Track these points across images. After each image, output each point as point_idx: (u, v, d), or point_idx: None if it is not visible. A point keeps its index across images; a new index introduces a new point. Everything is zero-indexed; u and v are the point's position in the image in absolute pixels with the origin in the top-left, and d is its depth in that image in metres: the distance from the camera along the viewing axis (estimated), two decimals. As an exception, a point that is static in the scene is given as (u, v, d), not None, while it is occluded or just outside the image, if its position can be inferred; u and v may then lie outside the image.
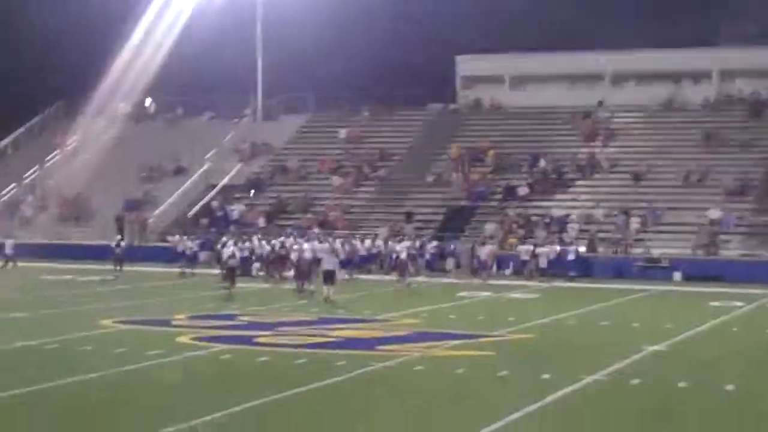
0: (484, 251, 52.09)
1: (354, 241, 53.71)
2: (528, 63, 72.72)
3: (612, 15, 75.33)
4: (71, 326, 31.56)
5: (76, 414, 20.21)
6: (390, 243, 54.22)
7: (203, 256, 54.95)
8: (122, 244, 52.19)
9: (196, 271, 51.34)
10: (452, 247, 54.16)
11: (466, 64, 74.52)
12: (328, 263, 41.58)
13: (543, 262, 51.52)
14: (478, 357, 27.27)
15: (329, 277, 40.58)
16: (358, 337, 30.75)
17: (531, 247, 52.47)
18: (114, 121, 78.00)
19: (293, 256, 46.13)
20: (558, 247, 52.52)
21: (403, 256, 49.00)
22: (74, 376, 23.72)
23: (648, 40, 69.00)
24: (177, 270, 50.85)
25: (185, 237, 54.44)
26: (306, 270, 43.12)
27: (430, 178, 64.59)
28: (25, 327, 31.69)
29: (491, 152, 65.46)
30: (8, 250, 54.66)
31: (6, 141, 76.71)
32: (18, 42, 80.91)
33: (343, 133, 71.85)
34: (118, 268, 50.66)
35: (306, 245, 48.01)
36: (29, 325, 32.27)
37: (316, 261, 43.50)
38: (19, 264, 54.15)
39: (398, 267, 48.51)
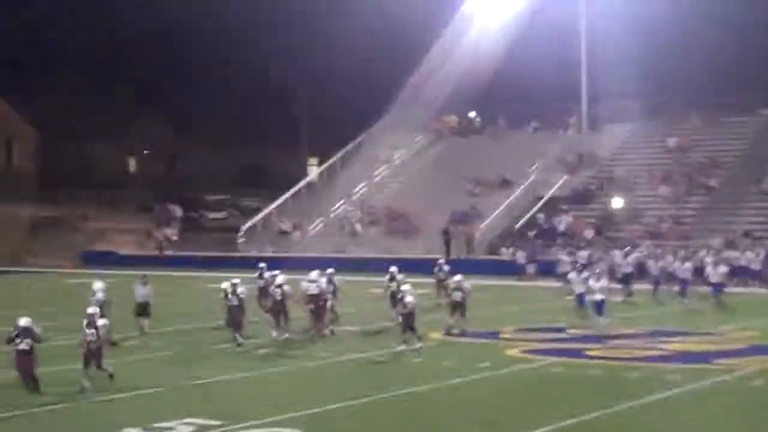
0: None
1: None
2: None
3: None
4: (399, 340, 31.65)
5: (409, 423, 20.16)
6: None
7: (531, 268, 54.57)
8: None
9: (526, 283, 50.89)
10: None
11: (801, 66, 71.15)
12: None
13: None
14: (825, 372, 25.62)
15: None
16: (693, 351, 29.55)
17: None
18: (439, 135, 78.94)
19: None
20: None
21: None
22: (407, 387, 23.74)
23: None
24: (501, 283, 50.55)
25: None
26: None
27: (766, 186, 61.76)
28: (355, 341, 32.13)
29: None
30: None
31: (335, 158, 78.72)
32: (336, 61, 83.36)
33: (671, 141, 69.95)
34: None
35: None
36: (359, 339, 32.62)
37: None
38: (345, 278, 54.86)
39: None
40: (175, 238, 75.49)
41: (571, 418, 20.07)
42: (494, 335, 32.81)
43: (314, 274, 33.86)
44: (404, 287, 30.15)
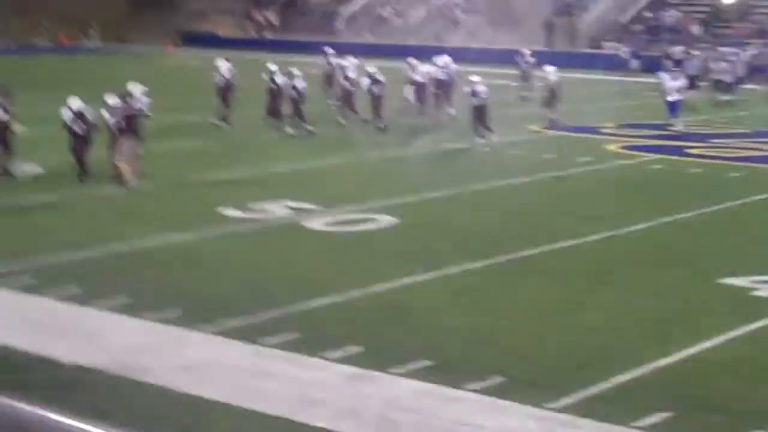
0: None
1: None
2: None
3: None
4: (501, 131, 31.13)
5: (506, 214, 20.14)
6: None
7: (634, 63, 53.41)
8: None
9: (629, 79, 49.88)
10: None
11: None
12: None
13: None
14: None
15: None
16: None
17: None
18: None
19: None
20: None
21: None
22: (505, 180, 23.61)
23: None
24: (603, 77, 49.70)
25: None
26: None
27: None
28: (448, 132, 31.86)
29: None
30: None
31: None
32: None
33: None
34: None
35: None
36: (453, 130, 32.29)
37: None
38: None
39: None
40: (275, 21, 75.12)
41: (669, 215, 19.82)
42: (595, 130, 32.38)
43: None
44: (473, 78, 28.69)
